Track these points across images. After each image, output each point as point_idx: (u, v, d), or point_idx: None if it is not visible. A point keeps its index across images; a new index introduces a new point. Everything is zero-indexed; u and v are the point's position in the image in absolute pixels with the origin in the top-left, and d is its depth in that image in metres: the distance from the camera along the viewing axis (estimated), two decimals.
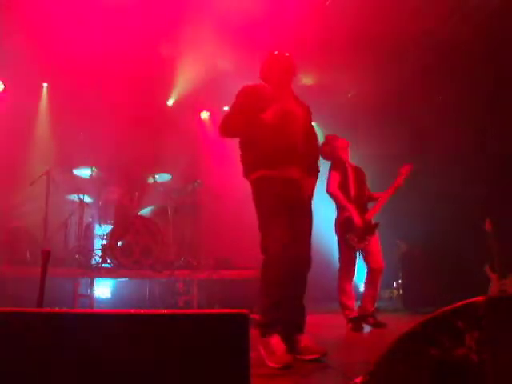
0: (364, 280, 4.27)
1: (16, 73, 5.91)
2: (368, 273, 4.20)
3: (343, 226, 4.12)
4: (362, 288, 4.28)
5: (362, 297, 4.20)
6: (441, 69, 5.45)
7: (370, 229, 4.09)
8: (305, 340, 2.63)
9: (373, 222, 4.17)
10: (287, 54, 2.94)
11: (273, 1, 5.22)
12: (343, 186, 4.17)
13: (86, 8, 5.13)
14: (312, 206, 2.92)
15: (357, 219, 4.02)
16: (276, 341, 2.53)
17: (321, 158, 4.26)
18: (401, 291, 6.21)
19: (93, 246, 5.47)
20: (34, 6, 5.04)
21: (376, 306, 4.26)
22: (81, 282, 4.98)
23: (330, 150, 4.29)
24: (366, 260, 4.19)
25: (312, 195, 2.93)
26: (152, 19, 5.30)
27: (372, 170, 4.57)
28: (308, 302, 2.81)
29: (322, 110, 7.28)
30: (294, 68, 2.92)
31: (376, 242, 4.17)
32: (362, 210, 4.15)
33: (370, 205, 4.32)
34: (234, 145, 2.97)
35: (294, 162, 2.77)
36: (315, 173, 2.95)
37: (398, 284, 6.30)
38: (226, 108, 7.44)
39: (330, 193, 4.17)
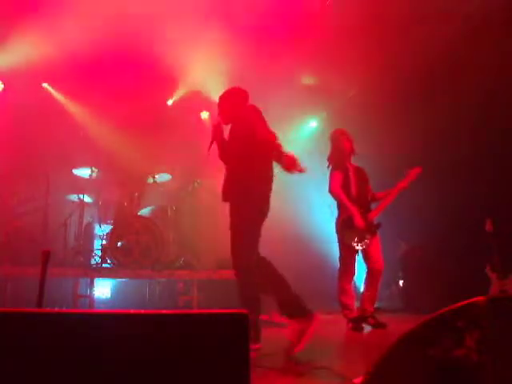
0: (364, 280, 4.27)
1: (16, 73, 5.90)
2: (368, 273, 4.19)
3: (344, 226, 4.11)
4: (361, 288, 4.26)
5: (361, 297, 4.19)
6: (444, 71, 5.43)
7: (371, 229, 4.09)
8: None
9: (375, 222, 4.17)
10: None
11: (274, 1, 5.21)
12: (345, 187, 4.17)
13: (85, 7, 5.12)
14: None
15: (358, 220, 4.01)
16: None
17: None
18: (401, 291, 6.20)
19: (93, 246, 5.47)
20: (34, 5, 5.04)
21: (376, 306, 4.26)
22: (81, 282, 4.97)
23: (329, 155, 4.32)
24: (365, 261, 4.18)
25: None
26: (153, 18, 5.29)
27: (374, 169, 4.55)
28: (307, 301, 2.80)
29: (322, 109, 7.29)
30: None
31: (377, 242, 4.16)
32: (365, 210, 4.15)
33: (373, 205, 4.31)
34: None
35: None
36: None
37: (398, 284, 6.29)
38: None
39: (332, 193, 4.17)
